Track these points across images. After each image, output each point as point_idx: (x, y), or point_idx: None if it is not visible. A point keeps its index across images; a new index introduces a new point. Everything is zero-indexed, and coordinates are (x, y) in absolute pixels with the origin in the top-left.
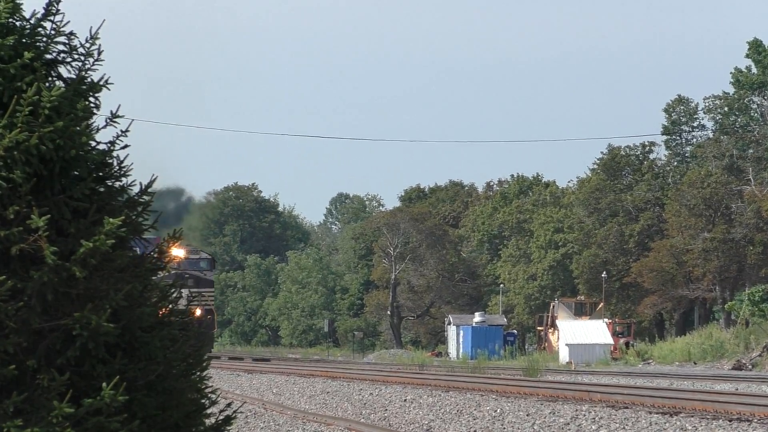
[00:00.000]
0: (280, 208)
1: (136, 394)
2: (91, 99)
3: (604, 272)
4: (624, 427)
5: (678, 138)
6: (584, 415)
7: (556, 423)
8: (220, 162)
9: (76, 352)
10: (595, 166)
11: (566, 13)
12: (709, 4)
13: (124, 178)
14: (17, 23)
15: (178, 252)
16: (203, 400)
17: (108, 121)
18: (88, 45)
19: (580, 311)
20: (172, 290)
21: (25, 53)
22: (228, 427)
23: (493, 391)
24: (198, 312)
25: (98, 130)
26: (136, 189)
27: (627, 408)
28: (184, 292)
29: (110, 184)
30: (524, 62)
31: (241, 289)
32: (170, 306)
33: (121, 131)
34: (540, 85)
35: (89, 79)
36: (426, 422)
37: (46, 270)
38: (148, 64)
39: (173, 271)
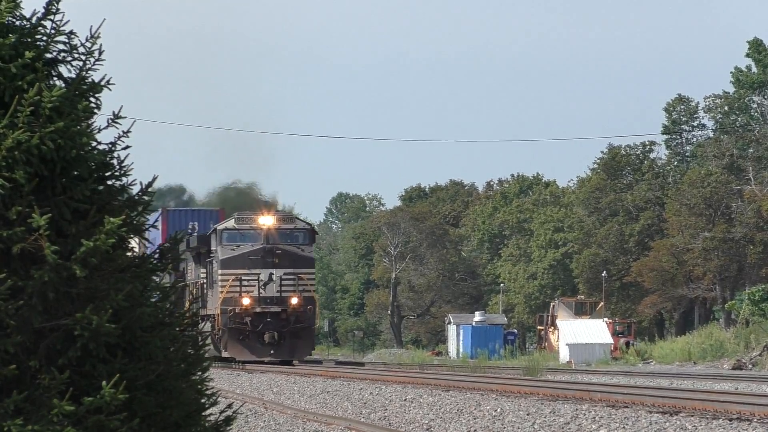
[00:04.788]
0: (280, 208)
1: (136, 393)
2: (92, 99)
3: (604, 272)
4: (624, 427)
5: (678, 137)
6: (584, 415)
7: (557, 422)
8: (220, 161)
9: (77, 352)
10: (596, 166)
11: (566, 13)
12: (709, 4)
13: (124, 178)
14: (17, 22)
15: (265, 220)
16: (203, 400)
17: (110, 121)
18: (88, 44)
19: (580, 311)
20: (172, 290)
21: (26, 53)
22: (228, 428)
23: (493, 391)
24: (294, 300)
25: (99, 130)
26: (136, 188)
27: (627, 407)
28: (276, 274)
29: (111, 183)
30: (524, 62)
31: None
32: (169, 306)
33: (123, 132)
34: (540, 84)
35: (90, 79)
36: (426, 422)
37: (46, 269)
38: (148, 64)
39: (260, 246)
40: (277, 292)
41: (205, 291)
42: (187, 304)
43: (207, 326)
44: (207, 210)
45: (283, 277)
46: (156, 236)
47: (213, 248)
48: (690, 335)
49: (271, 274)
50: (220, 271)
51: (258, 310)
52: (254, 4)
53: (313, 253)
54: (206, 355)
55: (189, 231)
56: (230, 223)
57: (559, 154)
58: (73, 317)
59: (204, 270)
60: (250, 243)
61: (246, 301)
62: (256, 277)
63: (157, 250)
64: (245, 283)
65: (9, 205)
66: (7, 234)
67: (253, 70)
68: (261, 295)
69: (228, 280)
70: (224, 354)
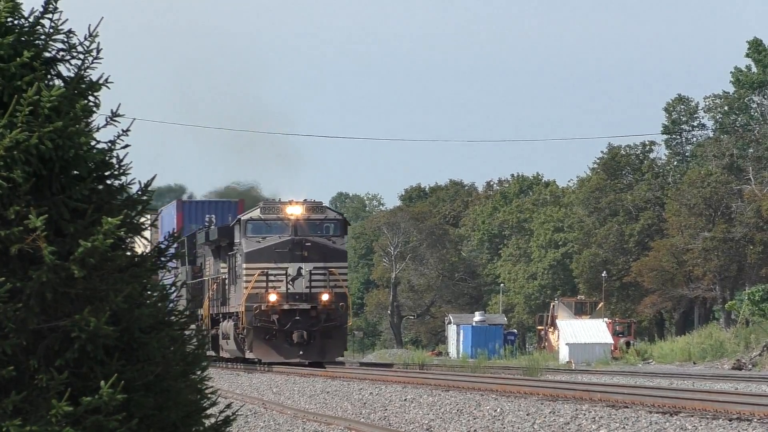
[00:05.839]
0: None
1: (134, 394)
2: (91, 98)
3: (604, 272)
4: (624, 427)
5: (678, 137)
6: (584, 415)
7: (556, 422)
8: (220, 161)
9: (75, 354)
10: (595, 166)
11: (566, 13)
12: (709, 4)
13: (123, 177)
14: (16, 22)
15: (294, 210)
16: (202, 401)
17: (108, 120)
18: (87, 43)
19: (580, 311)
20: (172, 290)
21: (25, 52)
22: (227, 428)
23: (493, 391)
24: (325, 297)
25: (98, 129)
26: (135, 188)
27: (627, 407)
28: (305, 268)
29: (110, 183)
30: (524, 62)
31: None
32: (169, 305)
33: (122, 130)
34: (540, 84)
35: (88, 78)
36: (426, 422)
37: (45, 270)
38: (148, 63)
39: (288, 238)
40: (307, 287)
41: (227, 287)
42: (206, 301)
43: (230, 325)
44: (225, 201)
45: (312, 272)
46: (171, 229)
47: (237, 240)
48: (690, 335)
49: (299, 268)
50: (244, 265)
51: (286, 307)
52: (254, 4)
53: (346, 246)
54: (228, 356)
55: (206, 223)
56: (255, 213)
57: (559, 154)
58: (71, 318)
59: (225, 264)
60: (277, 234)
61: (273, 297)
62: (284, 272)
63: (155, 248)
64: (272, 278)
65: (7, 205)
66: (5, 234)
67: (254, 70)
68: (289, 290)
69: (253, 275)
70: (248, 355)
